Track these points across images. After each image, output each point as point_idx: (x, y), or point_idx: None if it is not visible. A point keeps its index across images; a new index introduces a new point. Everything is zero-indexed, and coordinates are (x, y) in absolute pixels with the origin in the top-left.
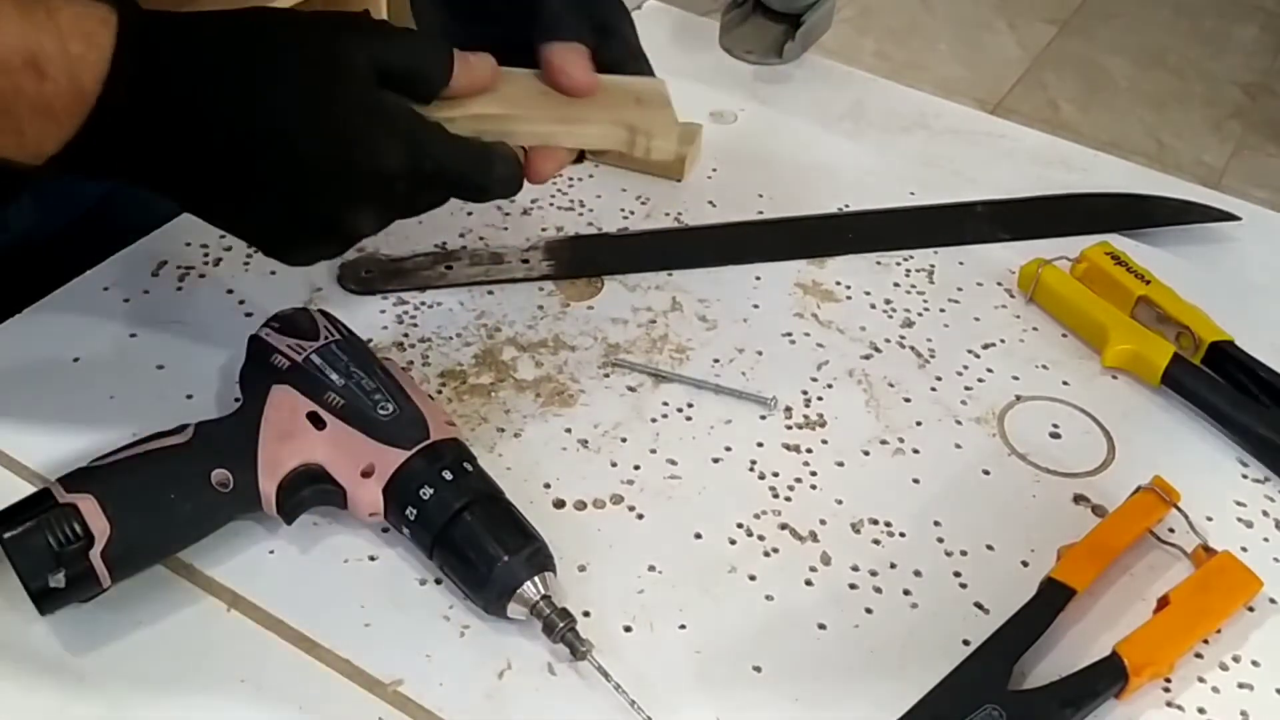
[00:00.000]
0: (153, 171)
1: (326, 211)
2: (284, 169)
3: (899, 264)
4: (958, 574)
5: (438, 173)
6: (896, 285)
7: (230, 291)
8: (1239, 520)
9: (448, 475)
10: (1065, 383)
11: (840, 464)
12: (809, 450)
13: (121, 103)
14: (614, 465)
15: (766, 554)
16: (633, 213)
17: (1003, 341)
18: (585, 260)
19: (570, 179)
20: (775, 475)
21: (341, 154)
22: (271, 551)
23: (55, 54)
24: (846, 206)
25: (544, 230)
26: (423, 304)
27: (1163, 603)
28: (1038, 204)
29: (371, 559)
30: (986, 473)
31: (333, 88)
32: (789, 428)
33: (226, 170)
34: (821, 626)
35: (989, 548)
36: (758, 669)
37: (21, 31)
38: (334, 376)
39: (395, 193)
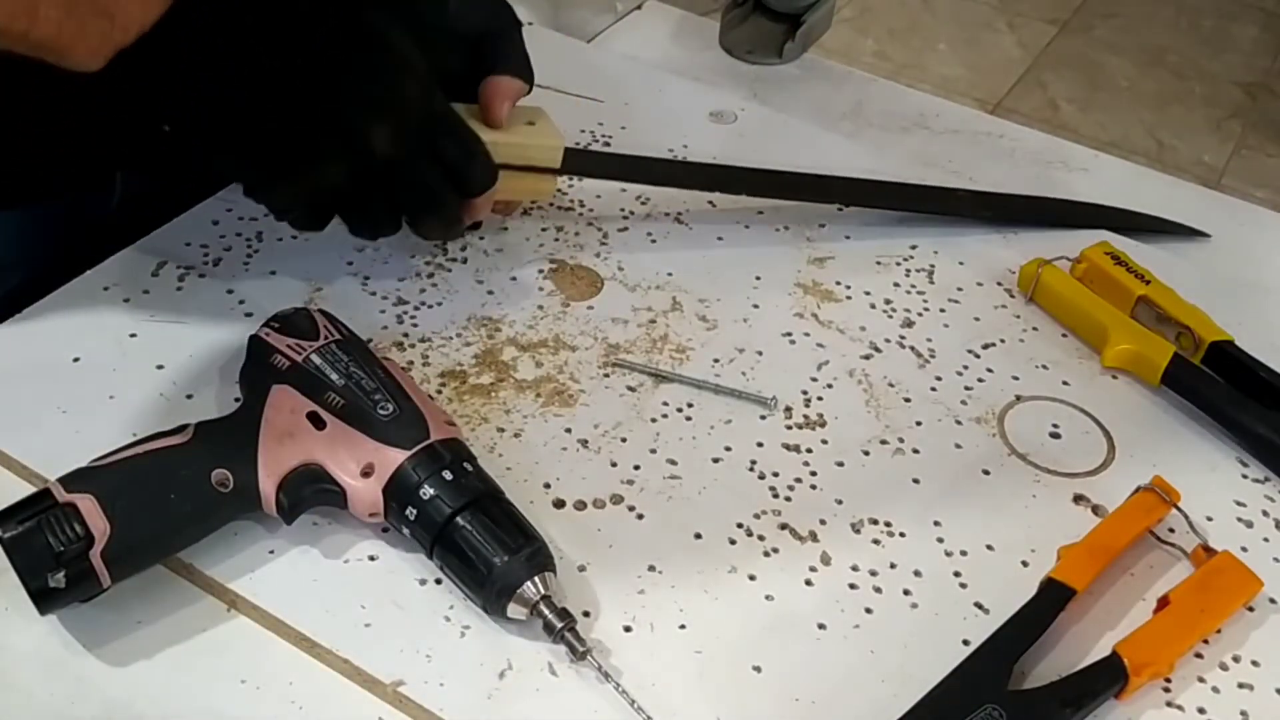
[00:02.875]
0: (203, 78)
1: (352, 121)
2: (332, 69)
3: (899, 264)
4: (958, 574)
5: (445, 117)
6: (896, 285)
7: (230, 291)
8: (1239, 520)
9: (448, 475)
10: (1065, 383)
11: (840, 464)
12: (809, 450)
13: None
14: (614, 465)
15: (766, 554)
16: (633, 213)
17: (1003, 341)
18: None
19: (571, 180)
20: (775, 475)
21: (380, 73)
22: (271, 551)
23: None
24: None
25: (544, 229)
26: (423, 304)
27: (1163, 603)
28: (1014, 201)
29: (371, 559)
30: (986, 473)
31: (389, 29)
32: (789, 428)
33: (283, 61)
34: (821, 626)
35: (989, 548)
36: (758, 669)
37: None
38: (334, 376)
39: (410, 120)
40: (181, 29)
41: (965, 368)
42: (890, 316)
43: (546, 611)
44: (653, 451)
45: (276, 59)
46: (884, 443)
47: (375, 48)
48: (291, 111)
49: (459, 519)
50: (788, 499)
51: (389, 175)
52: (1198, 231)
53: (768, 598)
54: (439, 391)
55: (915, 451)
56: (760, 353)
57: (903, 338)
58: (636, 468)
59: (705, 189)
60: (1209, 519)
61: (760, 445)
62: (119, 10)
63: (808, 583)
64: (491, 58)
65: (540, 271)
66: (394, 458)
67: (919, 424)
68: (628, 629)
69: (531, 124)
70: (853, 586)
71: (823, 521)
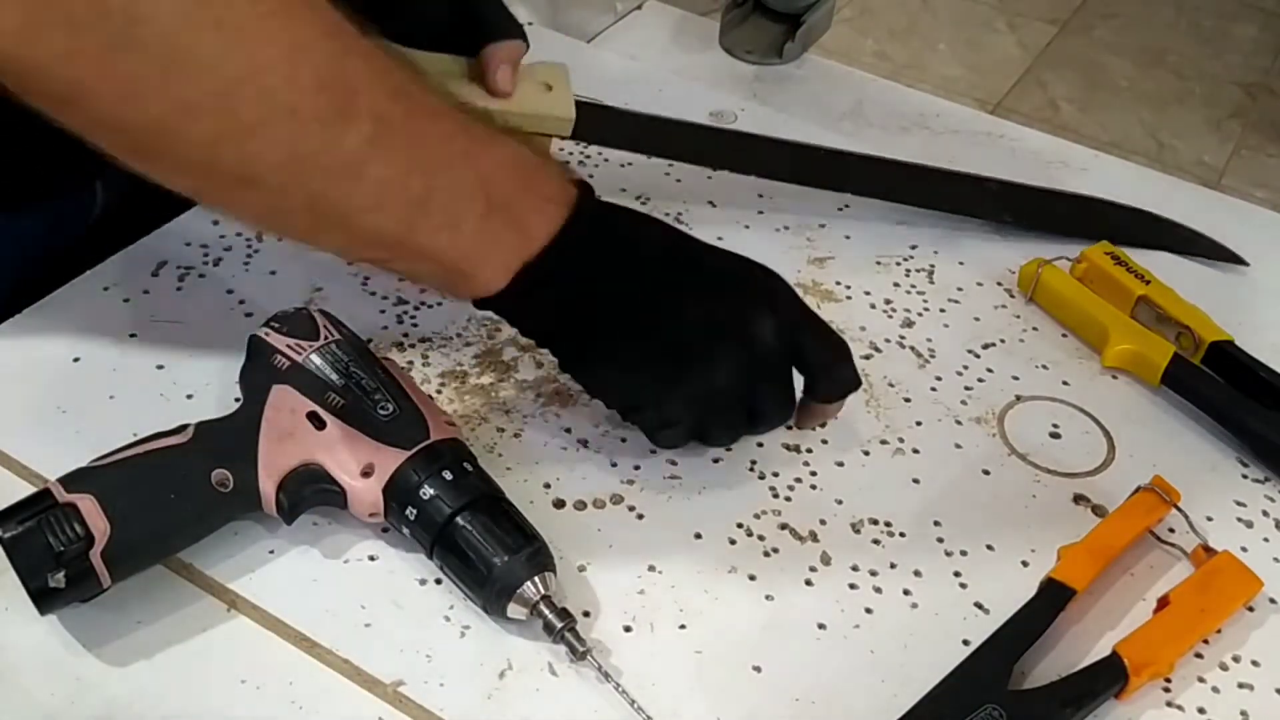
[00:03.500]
0: (580, 312)
1: (746, 314)
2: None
3: (899, 264)
4: (958, 574)
5: (812, 317)
6: (896, 285)
7: (230, 291)
8: (1239, 520)
9: (448, 475)
10: (1065, 383)
11: (840, 464)
12: (809, 450)
13: (589, 210)
14: (614, 465)
15: (766, 554)
16: None
17: (1003, 341)
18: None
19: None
20: (775, 475)
21: (755, 267)
22: (271, 551)
23: (552, 162)
24: (846, 206)
25: None
26: (423, 304)
27: (1163, 603)
28: (1048, 198)
29: (371, 559)
30: (986, 473)
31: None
32: (789, 427)
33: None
34: (821, 626)
35: (989, 548)
36: (758, 669)
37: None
38: (334, 376)
39: (791, 313)
40: (564, 255)
41: (965, 368)
42: (890, 316)
43: (546, 611)
44: (653, 451)
45: (660, 278)
46: (884, 443)
47: (732, 257)
48: (682, 321)
49: (459, 519)
50: (788, 499)
51: (768, 371)
52: (1236, 257)
53: (768, 598)
54: (439, 391)
55: (915, 451)
56: None
57: (903, 338)
58: (636, 468)
59: (717, 166)
60: (1209, 519)
61: (760, 445)
62: (529, 223)
63: (808, 583)
64: (484, 21)
65: None
66: (394, 458)
67: (919, 424)
68: (628, 629)
69: (549, 88)
70: (853, 586)
71: (823, 521)
